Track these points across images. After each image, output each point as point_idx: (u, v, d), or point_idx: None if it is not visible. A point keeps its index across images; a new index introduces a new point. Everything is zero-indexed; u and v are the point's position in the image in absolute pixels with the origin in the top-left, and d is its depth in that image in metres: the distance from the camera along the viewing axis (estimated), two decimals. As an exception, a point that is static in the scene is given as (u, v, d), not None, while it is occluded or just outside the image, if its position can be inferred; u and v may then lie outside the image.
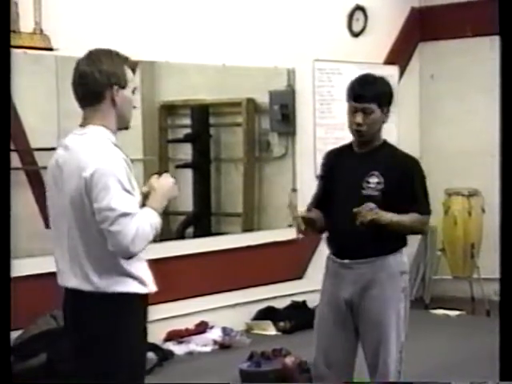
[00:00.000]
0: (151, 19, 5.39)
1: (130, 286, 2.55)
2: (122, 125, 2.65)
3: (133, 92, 2.66)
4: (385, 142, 3.45)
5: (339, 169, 3.46)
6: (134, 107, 2.69)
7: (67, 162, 2.55)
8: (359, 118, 3.35)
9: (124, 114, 2.63)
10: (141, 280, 2.58)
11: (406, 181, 3.33)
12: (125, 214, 2.44)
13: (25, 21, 4.63)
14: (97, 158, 2.48)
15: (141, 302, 2.59)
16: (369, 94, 3.33)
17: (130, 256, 2.49)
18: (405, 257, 3.47)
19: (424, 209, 3.39)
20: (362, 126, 3.35)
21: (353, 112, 3.38)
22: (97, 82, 2.57)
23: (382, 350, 3.35)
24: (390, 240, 3.36)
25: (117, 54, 2.66)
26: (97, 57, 2.63)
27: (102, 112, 2.58)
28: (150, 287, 2.62)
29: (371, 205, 3.19)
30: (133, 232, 2.43)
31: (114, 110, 2.59)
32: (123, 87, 2.62)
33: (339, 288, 3.41)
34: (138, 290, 2.56)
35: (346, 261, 3.37)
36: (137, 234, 2.44)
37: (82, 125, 2.61)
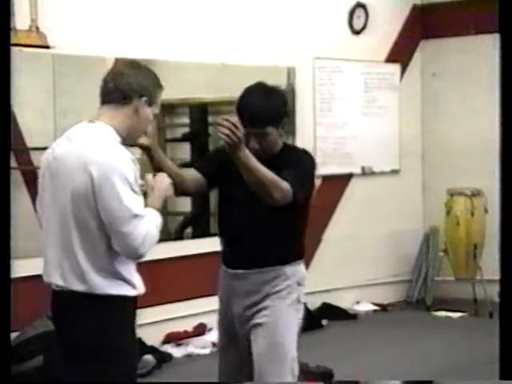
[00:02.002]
0: (149, 17, 5.37)
1: (121, 289, 2.53)
2: (130, 139, 2.64)
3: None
4: (284, 146, 3.11)
5: (233, 172, 2.90)
6: (145, 133, 2.71)
7: (70, 156, 2.52)
8: (254, 143, 2.93)
9: (139, 128, 2.63)
10: (131, 283, 2.56)
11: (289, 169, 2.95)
12: (136, 216, 2.43)
13: (21, 18, 4.59)
14: (106, 155, 2.46)
15: (131, 304, 2.58)
16: (261, 118, 2.92)
17: (137, 257, 2.49)
18: (303, 268, 3.15)
19: (291, 181, 2.88)
20: (257, 151, 2.91)
21: (246, 135, 2.87)
22: (130, 85, 2.58)
23: (276, 364, 3.00)
24: (286, 249, 3.05)
25: (157, 78, 2.69)
26: (139, 67, 2.67)
27: (120, 115, 2.58)
28: (140, 289, 2.61)
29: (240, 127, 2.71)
30: (143, 234, 2.44)
31: (132, 120, 2.59)
32: (150, 105, 2.63)
33: (231, 303, 3.10)
34: (128, 293, 2.54)
35: (240, 271, 3.03)
36: (146, 236, 2.45)
37: (91, 121, 2.59)
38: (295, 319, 3.06)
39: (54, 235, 2.55)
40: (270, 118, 2.94)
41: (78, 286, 2.49)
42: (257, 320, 3.03)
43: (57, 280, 2.54)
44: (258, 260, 3.01)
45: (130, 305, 2.56)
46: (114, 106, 2.58)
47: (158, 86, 2.68)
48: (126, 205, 2.42)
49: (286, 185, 2.85)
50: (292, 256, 3.08)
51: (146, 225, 2.45)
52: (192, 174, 3.10)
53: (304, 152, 3.18)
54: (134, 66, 2.67)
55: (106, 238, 2.47)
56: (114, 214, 2.42)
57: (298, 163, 3.01)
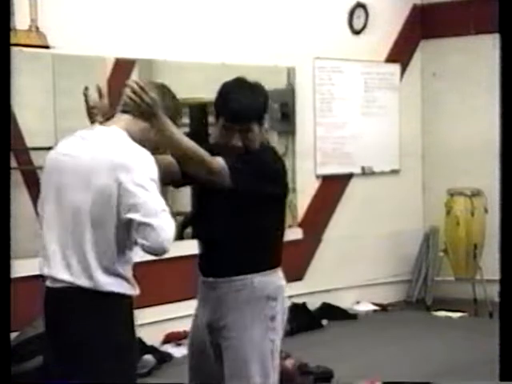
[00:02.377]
0: (149, 17, 5.37)
1: (123, 287, 2.54)
2: None
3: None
4: (262, 144, 2.88)
5: None
6: (154, 153, 2.64)
7: (89, 155, 2.52)
8: (236, 141, 2.75)
9: (149, 144, 2.62)
10: (131, 282, 2.58)
11: None
12: (164, 210, 2.45)
13: (21, 18, 4.59)
14: (133, 157, 2.49)
15: (130, 302, 2.59)
16: (246, 114, 2.74)
17: (164, 252, 2.48)
18: (279, 279, 2.88)
19: (232, 164, 2.71)
20: (240, 150, 2.75)
21: (226, 131, 2.74)
22: (154, 102, 2.59)
23: None
24: (257, 256, 2.81)
25: (180, 108, 2.72)
26: (167, 92, 2.68)
27: (135, 126, 2.60)
28: (136, 289, 2.62)
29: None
30: (172, 228, 2.45)
31: (144, 134, 2.61)
32: None
33: (201, 312, 2.91)
34: (127, 291, 2.57)
35: (211, 279, 2.85)
36: (172, 232, 2.46)
37: (104, 124, 2.63)
38: (266, 341, 2.80)
39: (62, 230, 2.53)
40: (253, 114, 2.78)
41: (83, 282, 2.50)
42: (222, 341, 2.81)
43: (60, 274, 2.52)
44: (228, 267, 2.79)
45: (128, 303, 2.57)
46: (132, 116, 2.60)
47: (179, 115, 2.70)
48: (156, 200, 2.45)
49: (218, 164, 2.67)
50: (263, 264, 2.83)
51: (170, 219, 2.48)
52: (166, 158, 2.92)
53: (271, 151, 2.96)
54: (164, 88, 2.69)
55: (120, 237, 2.49)
56: (146, 208, 2.43)
57: (257, 156, 2.79)
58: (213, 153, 2.83)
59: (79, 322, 2.52)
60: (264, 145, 2.91)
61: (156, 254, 2.50)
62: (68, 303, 2.55)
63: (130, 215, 2.45)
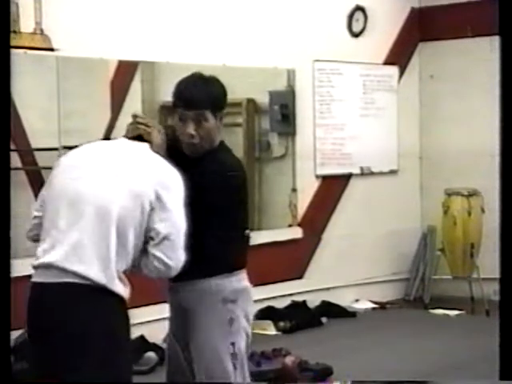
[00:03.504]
0: (151, 20, 5.41)
1: (125, 289, 2.61)
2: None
3: None
4: (220, 144, 2.93)
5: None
6: None
7: (127, 161, 2.63)
8: (190, 129, 2.79)
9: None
10: (127, 285, 2.64)
11: None
12: (184, 231, 2.59)
13: (25, 21, 4.65)
14: (174, 175, 2.61)
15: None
16: (199, 101, 2.79)
17: (174, 272, 2.59)
18: (238, 282, 2.85)
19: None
20: (194, 138, 2.81)
21: (182, 121, 2.80)
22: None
23: None
24: (211, 260, 2.77)
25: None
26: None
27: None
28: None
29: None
30: (183, 252, 2.60)
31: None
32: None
33: (170, 319, 2.92)
34: (126, 294, 2.61)
35: (171, 283, 2.82)
36: (184, 255, 2.61)
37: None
38: (225, 345, 2.78)
39: (83, 226, 2.54)
40: (207, 101, 2.80)
41: (99, 277, 2.51)
42: (190, 351, 2.81)
43: (74, 266, 2.51)
44: (185, 271, 2.65)
45: (125, 304, 2.62)
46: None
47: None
48: (183, 220, 2.58)
49: None
50: (220, 267, 2.80)
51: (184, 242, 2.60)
52: None
53: (224, 155, 2.93)
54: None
55: (136, 245, 2.56)
56: (174, 227, 2.55)
57: (205, 160, 2.82)
58: (172, 149, 2.83)
59: (86, 317, 2.52)
60: (222, 145, 2.93)
61: (166, 273, 2.59)
62: (74, 297, 2.53)
63: (158, 227, 2.54)
